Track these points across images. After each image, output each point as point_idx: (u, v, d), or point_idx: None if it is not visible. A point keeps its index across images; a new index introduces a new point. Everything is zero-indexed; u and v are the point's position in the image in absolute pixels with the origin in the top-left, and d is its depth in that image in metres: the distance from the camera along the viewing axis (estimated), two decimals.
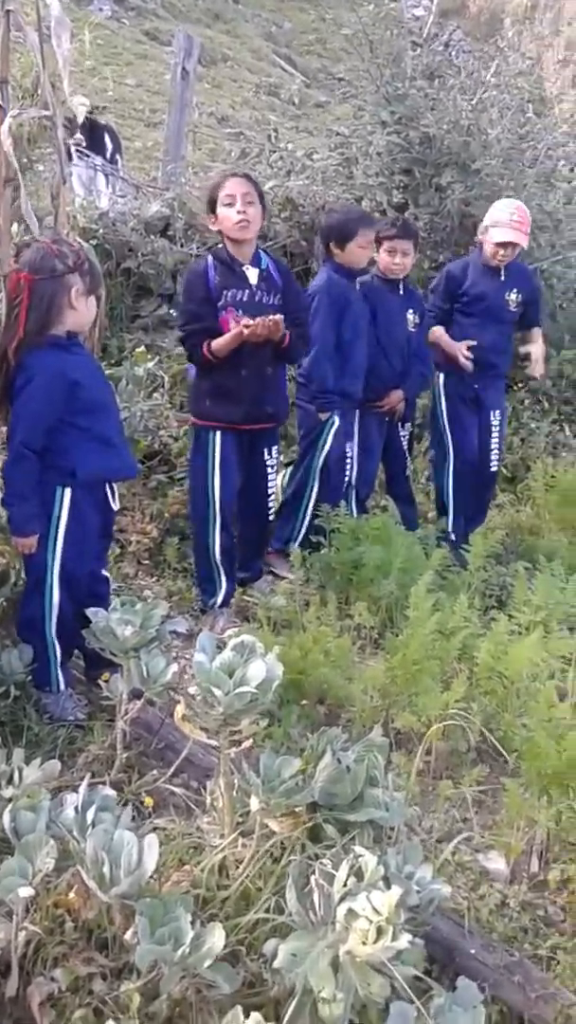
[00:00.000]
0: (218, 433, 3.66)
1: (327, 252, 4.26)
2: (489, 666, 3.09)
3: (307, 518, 4.19)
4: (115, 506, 3.01)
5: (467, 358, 4.57)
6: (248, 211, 3.53)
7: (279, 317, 3.49)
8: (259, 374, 3.63)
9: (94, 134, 7.84)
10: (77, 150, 7.13)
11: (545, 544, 4.68)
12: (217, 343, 3.52)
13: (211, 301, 3.59)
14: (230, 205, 3.53)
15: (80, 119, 7.61)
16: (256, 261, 3.66)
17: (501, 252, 4.55)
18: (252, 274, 3.63)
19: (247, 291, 3.61)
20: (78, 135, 7.42)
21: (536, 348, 4.87)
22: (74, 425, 2.79)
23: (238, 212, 3.52)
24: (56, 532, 2.81)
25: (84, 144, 7.52)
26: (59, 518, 2.81)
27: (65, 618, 2.88)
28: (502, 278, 4.64)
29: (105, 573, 3.10)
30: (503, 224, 4.50)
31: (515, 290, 4.66)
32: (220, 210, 3.57)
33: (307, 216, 5.84)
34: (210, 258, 3.68)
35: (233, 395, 3.62)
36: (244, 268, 3.63)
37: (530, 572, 3.85)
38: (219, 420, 3.65)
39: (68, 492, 2.80)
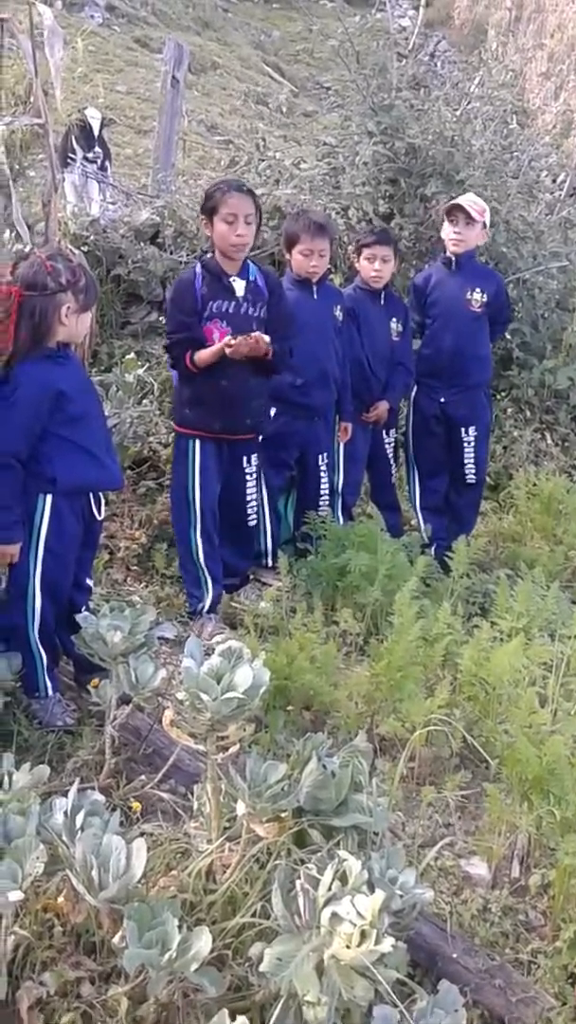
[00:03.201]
0: (197, 441, 3.68)
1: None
2: (472, 672, 3.13)
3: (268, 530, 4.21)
4: (99, 516, 3.03)
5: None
6: (247, 233, 3.56)
7: (260, 336, 3.49)
8: (240, 385, 3.62)
9: (88, 137, 7.89)
10: (70, 157, 7.16)
11: (527, 552, 4.72)
12: (200, 355, 3.54)
13: (197, 312, 3.61)
14: (231, 224, 3.53)
15: (96, 131, 7.67)
16: (244, 272, 3.67)
17: (454, 233, 4.49)
18: (239, 286, 3.65)
19: (233, 303, 3.62)
20: (97, 149, 7.46)
21: None
22: (58, 435, 2.81)
23: (237, 235, 3.54)
24: (37, 540, 2.84)
25: (92, 152, 7.57)
26: (40, 526, 2.84)
27: (47, 624, 2.91)
28: (461, 275, 4.56)
29: (89, 583, 3.13)
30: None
31: (478, 289, 4.55)
32: (219, 224, 3.56)
33: None
34: (199, 267, 3.69)
35: (212, 405, 3.63)
36: (232, 280, 3.64)
37: (512, 579, 3.89)
38: (198, 429, 3.68)
39: (49, 500, 2.83)
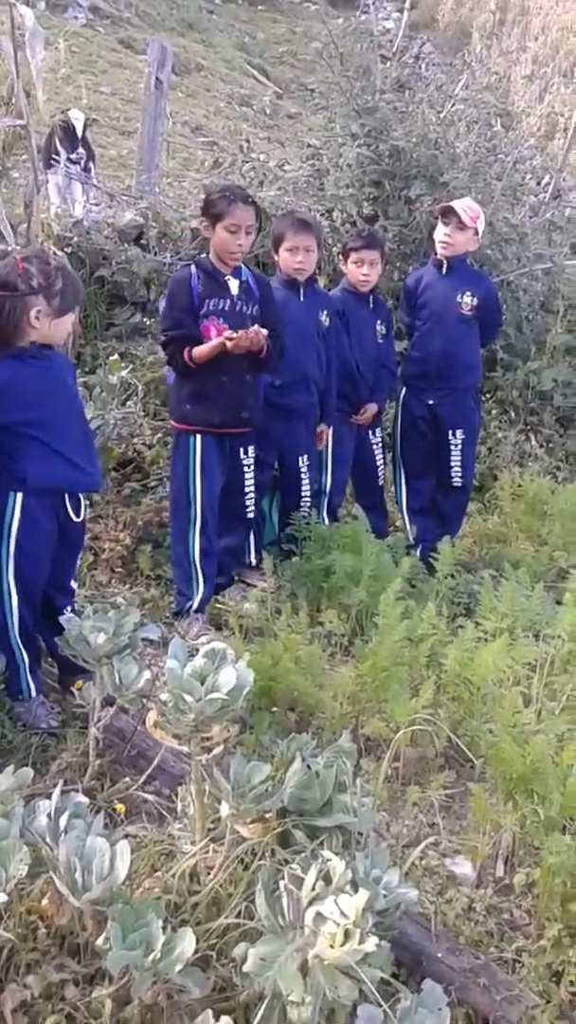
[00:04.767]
0: (199, 437, 3.72)
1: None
2: (456, 673, 3.13)
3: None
4: (76, 517, 2.98)
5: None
6: (246, 243, 3.68)
7: (259, 329, 3.58)
8: (238, 381, 3.72)
9: (72, 139, 7.89)
10: (53, 159, 7.15)
11: (512, 552, 4.74)
12: (199, 351, 3.61)
13: (193, 309, 3.67)
14: (233, 233, 3.61)
15: (79, 132, 7.68)
16: (237, 272, 3.75)
17: (444, 236, 4.47)
18: (233, 284, 3.72)
19: (228, 300, 3.69)
20: (80, 151, 7.47)
21: None
22: (27, 435, 2.80)
23: (238, 244, 3.64)
24: (8, 538, 2.83)
25: (75, 153, 7.57)
26: (10, 524, 2.83)
27: (26, 624, 2.90)
28: (451, 278, 4.53)
29: (73, 585, 3.11)
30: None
31: (468, 292, 4.51)
32: (221, 232, 3.63)
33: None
34: (194, 267, 3.74)
35: (213, 400, 3.69)
36: (227, 278, 3.71)
37: (496, 580, 3.90)
38: (199, 424, 3.73)
39: (19, 498, 2.82)
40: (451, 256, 4.52)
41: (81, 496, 3.02)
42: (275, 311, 3.86)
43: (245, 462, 3.91)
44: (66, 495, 2.94)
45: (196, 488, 3.73)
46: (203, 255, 3.83)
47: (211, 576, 3.80)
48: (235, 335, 3.54)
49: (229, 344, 3.54)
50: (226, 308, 3.69)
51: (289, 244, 4.11)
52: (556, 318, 6.60)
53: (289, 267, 4.14)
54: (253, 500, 3.99)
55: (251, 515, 4.01)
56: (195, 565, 3.75)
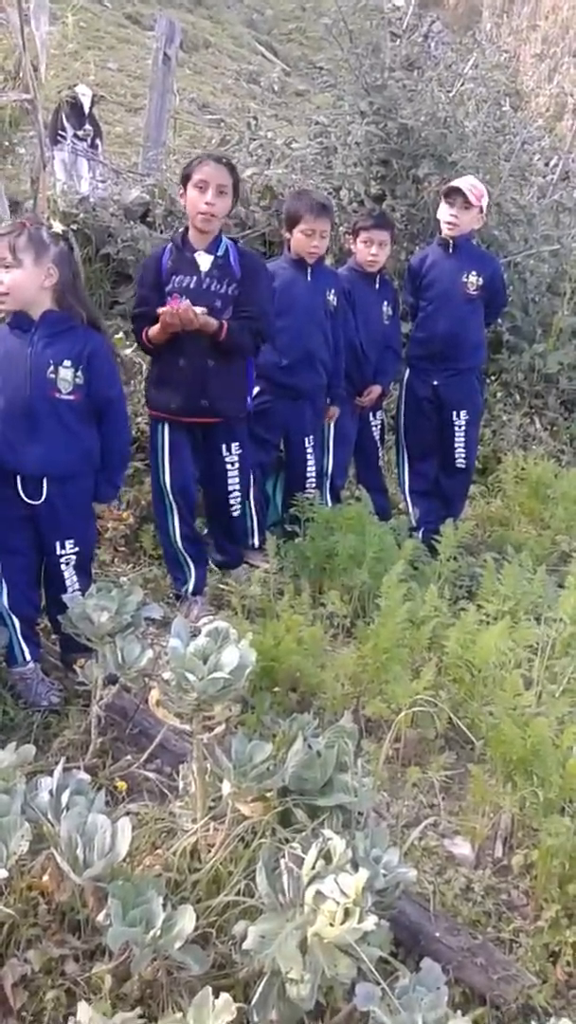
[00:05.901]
0: (165, 425, 3.62)
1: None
2: (457, 655, 3.14)
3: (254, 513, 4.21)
4: (29, 500, 2.85)
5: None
6: (216, 203, 3.43)
7: (188, 307, 3.35)
8: (199, 366, 3.50)
9: (79, 115, 7.84)
10: (60, 135, 7.10)
11: (514, 535, 4.73)
12: (152, 330, 3.48)
13: (159, 286, 3.53)
14: (201, 190, 3.43)
15: (87, 108, 7.61)
16: (213, 248, 3.55)
17: (450, 216, 4.42)
18: (204, 261, 3.52)
19: (195, 277, 3.51)
20: (87, 127, 7.41)
21: None
22: None
23: (206, 203, 3.42)
24: None
25: (83, 130, 7.51)
26: None
27: (12, 597, 2.91)
28: (457, 258, 4.49)
29: (66, 572, 2.96)
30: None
31: (474, 272, 4.46)
32: (190, 191, 3.47)
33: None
34: (170, 243, 3.62)
35: (170, 384, 3.55)
36: (196, 254, 3.53)
37: (499, 563, 3.90)
38: (160, 409, 3.61)
39: None
40: (457, 236, 4.48)
41: (46, 479, 2.85)
42: (258, 293, 3.60)
43: (228, 460, 3.71)
44: (18, 476, 2.84)
45: (165, 475, 3.64)
46: (182, 229, 3.66)
47: (200, 559, 3.76)
48: (163, 310, 3.35)
49: (163, 321, 3.37)
50: (191, 286, 3.48)
51: (306, 227, 4.03)
52: (563, 300, 6.56)
53: (303, 249, 4.08)
54: (238, 499, 3.82)
55: (236, 514, 3.87)
56: (179, 550, 3.71)
